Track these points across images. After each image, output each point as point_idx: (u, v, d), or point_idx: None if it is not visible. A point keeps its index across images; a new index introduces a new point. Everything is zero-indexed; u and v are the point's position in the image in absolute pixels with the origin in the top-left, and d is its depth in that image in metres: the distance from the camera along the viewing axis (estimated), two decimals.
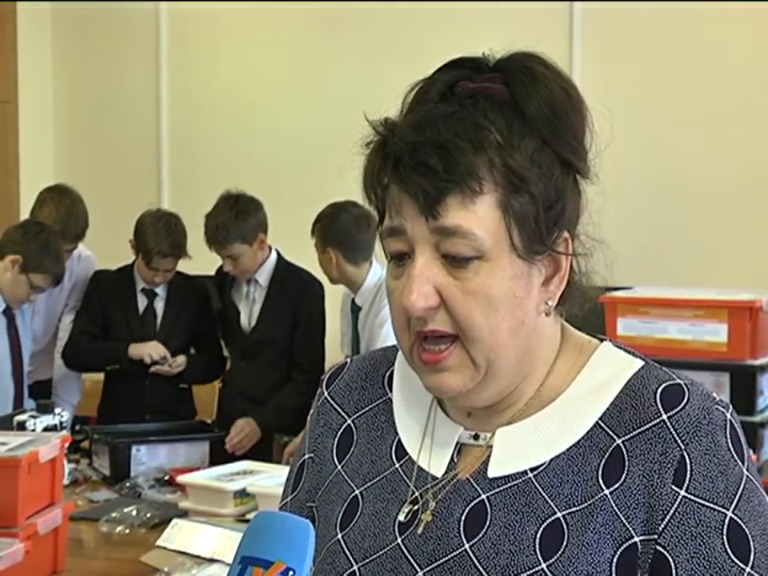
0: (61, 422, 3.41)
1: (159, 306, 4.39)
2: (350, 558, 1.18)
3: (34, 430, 3.28)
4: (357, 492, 1.22)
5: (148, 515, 3.29)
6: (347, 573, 1.17)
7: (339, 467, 1.26)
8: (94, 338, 4.35)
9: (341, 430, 1.28)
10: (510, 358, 1.12)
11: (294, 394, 4.12)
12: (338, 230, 4.05)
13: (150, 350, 4.25)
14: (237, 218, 4.18)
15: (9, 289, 4.01)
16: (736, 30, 4.85)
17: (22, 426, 3.30)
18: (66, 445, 2.98)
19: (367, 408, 1.28)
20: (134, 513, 3.30)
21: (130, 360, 4.25)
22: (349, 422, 1.28)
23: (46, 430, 3.31)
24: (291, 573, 0.96)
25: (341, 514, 1.22)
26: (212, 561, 2.83)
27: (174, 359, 4.29)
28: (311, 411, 1.33)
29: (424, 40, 5.12)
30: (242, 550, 0.99)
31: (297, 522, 1.00)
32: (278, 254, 4.36)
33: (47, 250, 4.00)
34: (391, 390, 1.27)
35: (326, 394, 1.32)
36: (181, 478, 3.39)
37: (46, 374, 4.53)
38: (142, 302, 4.37)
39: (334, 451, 1.27)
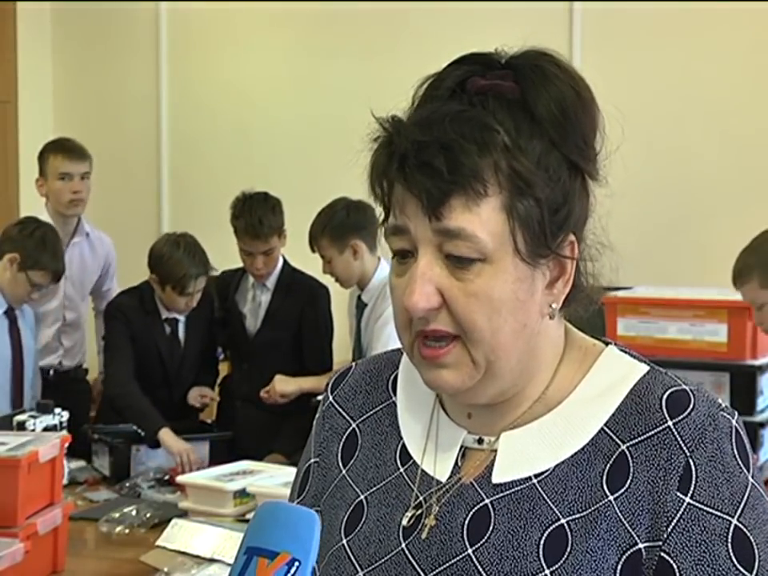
0: (61, 422, 3.41)
1: (181, 334, 4.33)
2: (355, 565, 1.17)
3: (33, 430, 3.28)
4: (362, 497, 1.22)
5: (148, 515, 3.29)
6: None
7: (344, 472, 1.25)
8: (134, 381, 4.17)
9: (345, 435, 1.27)
10: (511, 359, 1.11)
11: (306, 409, 4.05)
12: (353, 220, 3.97)
13: (182, 452, 3.92)
14: (274, 211, 4.22)
15: (9, 288, 4.01)
16: (736, 30, 4.85)
17: (21, 426, 3.30)
18: (66, 445, 2.98)
19: (372, 412, 1.27)
20: (134, 513, 3.30)
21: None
22: (353, 426, 1.27)
23: (45, 429, 3.31)
24: (296, 564, 0.95)
25: (345, 519, 1.21)
26: (212, 561, 2.83)
27: (204, 398, 4.33)
28: (317, 415, 1.33)
29: (424, 40, 5.12)
30: (246, 540, 0.98)
31: (302, 512, 0.99)
32: (284, 258, 4.36)
33: (45, 247, 3.99)
34: (395, 394, 1.27)
35: (330, 398, 1.31)
36: (181, 478, 3.39)
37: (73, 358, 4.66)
38: (166, 331, 4.30)
39: (339, 455, 1.27)
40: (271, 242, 4.20)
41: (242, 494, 3.18)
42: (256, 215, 4.16)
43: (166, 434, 3.93)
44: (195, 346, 4.33)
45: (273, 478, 3.20)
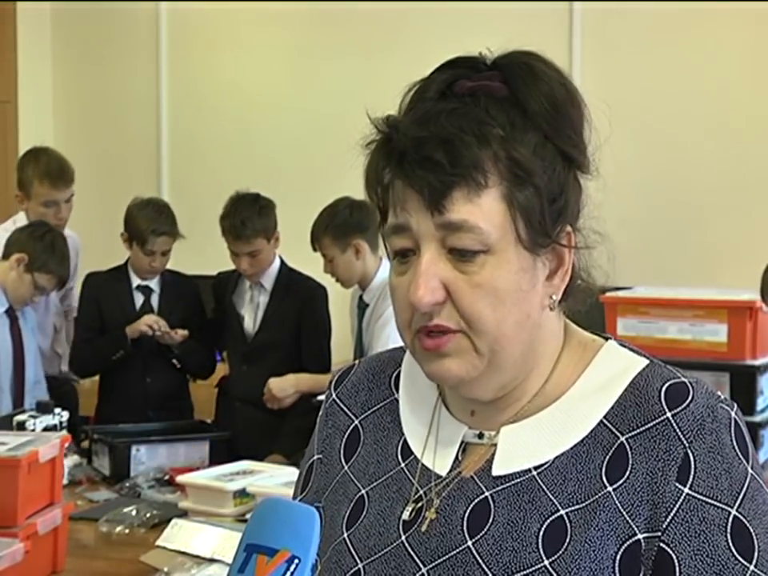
0: (61, 422, 3.41)
1: (156, 303, 4.38)
2: (355, 557, 1.18)
3: (33, 430, 3.28)
4: (363, 492, 1.23)
5: (148, 515, 3.29)
6: (352, 571, 1.18)
7: (346, 467, 1.26)
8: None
9: (348, 431, 1.29)
10: (514, 351, 1.12)
11: (306, 410, 4.06)
12: (356, 219, 3.96)
13: (147, 322, 4.22)
14: (261, 213, 4.20)
15: (12, 288, 4.01)
16: (736, 30, 4.86)
17: (21, 426, 3.31)
18: (66, 445, 2.98)
19: (374, 409, 1.28)
20: (134, 513, 3.30)
21: (133, 342, 4.23)
22: (356, 422, 1.29)
23: (45, 429, 3.31)
24: (296, 561, 0.94)
25: (347, 513, 1.22)
26: (212, 561, 2.82)
27: (176, 330, 4.27)
28: (320, 413, 1.34)
29: (424, 40, 5.12)
30: (246, 537, 0.97)
31: (302, 509, 0.98)
32: (281, 258, 4.36)
33: (53, 251, 4.01)
34: (397, 391, 1.28)
35: (333, 395, 1.32)
36: (180, 478, 3.38)
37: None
38: (138, 300, 4.36)
39: (341, 452, 1.28)
40: (255, 244, 4.18)
41: (241, 493, 3.18)
42: (239, 216, 4.16)
43: (129, 327, 4.20)
44: (172, 322, 4.29)
45: (273, 478, 3.19)
